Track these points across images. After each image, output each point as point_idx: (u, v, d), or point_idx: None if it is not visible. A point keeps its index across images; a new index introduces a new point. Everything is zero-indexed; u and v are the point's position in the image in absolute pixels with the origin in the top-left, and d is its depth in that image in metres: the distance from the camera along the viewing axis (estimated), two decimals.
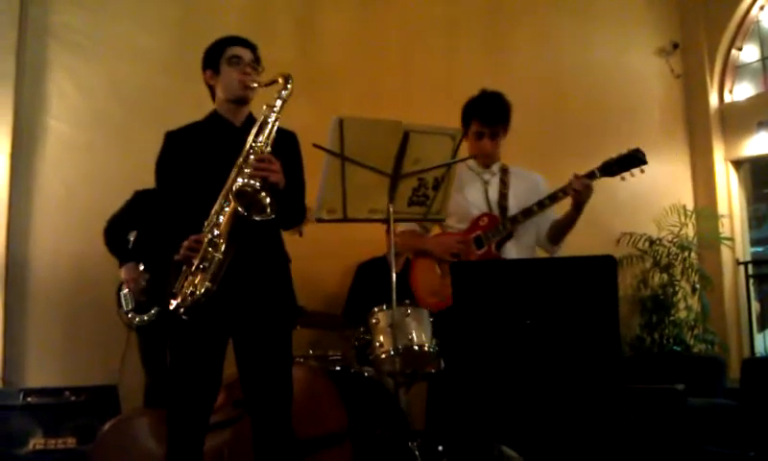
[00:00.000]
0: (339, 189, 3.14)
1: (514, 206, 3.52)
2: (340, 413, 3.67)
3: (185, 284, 2.67)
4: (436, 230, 3.72)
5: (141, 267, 4.17)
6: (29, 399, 4.01)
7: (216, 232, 2.65)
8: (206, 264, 2.63)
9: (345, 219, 3.21)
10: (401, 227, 3.72)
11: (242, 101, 2.93)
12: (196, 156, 2.85)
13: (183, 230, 2.71)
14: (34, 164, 4.73)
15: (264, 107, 2.82)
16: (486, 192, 3.58)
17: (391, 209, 3.22)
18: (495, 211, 3.52)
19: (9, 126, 4.60)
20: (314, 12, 5.76)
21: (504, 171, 3.63)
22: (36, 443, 3.88)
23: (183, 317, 2.65)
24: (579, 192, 3.33)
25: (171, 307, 2.67)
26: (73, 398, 4.07)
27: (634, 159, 3.41)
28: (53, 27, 4.85)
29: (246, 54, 2.93)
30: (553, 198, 3.43)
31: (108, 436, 3.52)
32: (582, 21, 6.76)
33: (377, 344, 4.01)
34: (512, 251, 3.50)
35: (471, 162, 3.64)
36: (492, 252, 3.46)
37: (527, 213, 3.45)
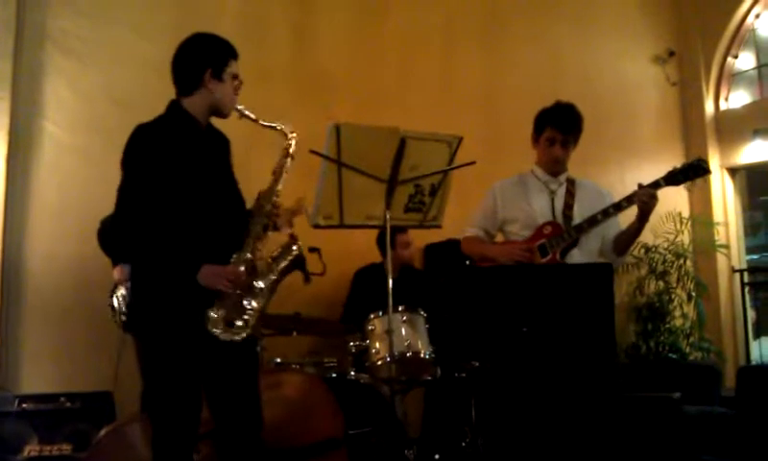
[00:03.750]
0: (335, 195, 3.14)
1: (578, 217, 3.50)
2: (336, 420, 3.67)
3: (220, 312, 2.69)
4: (500, 237, 3.73)
5: None
6: (24, 405, 3.98)
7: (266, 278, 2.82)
8: (259, 303, 2.76)
9: (341, 225, 3.21)
10: (468, 232, 3.74)
11: (224, 117, 2.92)
12: (180, 159, 2.74)
13: (176, 237, 2.68)
14: (30, 168, 4.71)
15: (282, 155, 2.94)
16: (552, 202, 3.58)
17: (387, 216, 3.22)
18: (560, 220, 3.53)
19: (5, 129, 4.58)
20: (310, 17, 5.76)
21: (571, 182, 3.63)
22: (32, 449, 3.86)
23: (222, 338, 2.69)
24: (645, 202, 3.33)
25: (215, 333, 2.66)
26: (68, 404, 4.05)
27: (698, 169, 3.41)
28: (50, 32, 4.84)
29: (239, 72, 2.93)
30: (617, 207, 3.42)
31: (104, 442, 3.50)
32: (578, 29, 6.78)
33: (373, 350, 4.01)
34: (576, 258, 3.48)
35: (539, 171, 3.64)
36: (557, 259, 3.45)
37: (592, 222, 3.44)
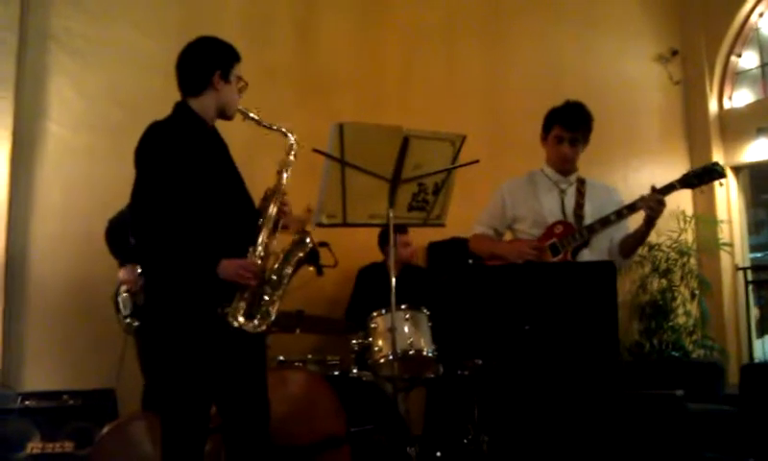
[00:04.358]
0: (339, 194, 3.14)
1: (590, 217, 3.50)
2: (339, 418, 3.68)
3: (241, 305, 2.73)
4: (509, 235, 3.73)
5: (139, 270, 4.16)
6: (27, 402, 4.00)
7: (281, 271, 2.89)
8: (276, 296, 2.83)
9: (345, 224, 3.21)
10: (476, 230, 3.74)
11: (229, 118, 2.97)
12: (193, 158, 2.77)
13: (194, 233, 2.70)
14: (33, 168, 4.73)
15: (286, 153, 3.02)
16: (562, 201, 3.57)
17: (391, 214, 3.22)
18: (571, 220, 3.52)
19: (9, 130, 4.60)
20: (314, 16, 5.77)
21: (581, 181, 3.62)
22: (34, 447, 3.87)
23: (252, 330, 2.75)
24: (652, 208, 3.32)
25: (238, 325, 2.70)
26: (71, 401, 4.06)
27: (713, 173, 3.42)
28: (53, 31, 4.86)
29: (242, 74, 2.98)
30: (631, 208, 3.41)
31: (106, 440, 3.52)
32: (581, 28, 6.77)
33: (376, 348, 4.01)
34: (586, 258, 3.47)
35: (548, 170, 3.64)
36: (569, 259, 3.44)
37: (605, 222, 3.43)
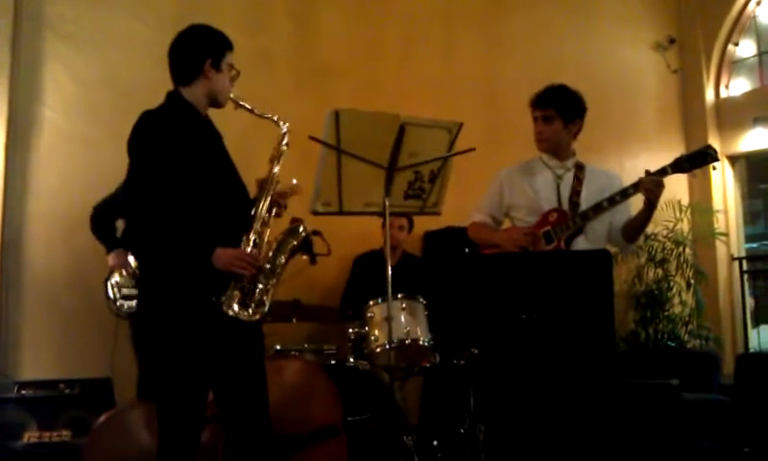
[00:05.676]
0: (335, 182, 3.13)
1: (586, 204, 3.46)
2: (335, 407, 3.67)
3: (235, 294, 2.73)
4: (506, 223, 3.72)
5: (131, 258, 4.15)
6: (23, 391, 3.99)
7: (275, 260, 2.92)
8: (271, 284, 2.84)
9: (340, 212, 3.20)
10: (475, 218, 3.74)
11: (221, 107, 2.96)
12: (187, 147, 2.76)
13: (188, 222, 2.69)
14: (28, 155, 4.70)
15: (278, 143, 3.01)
16: (558, 187, 3.55)
17: (387, 202, 3.21)
18: (566, 207, 3.49)
19: (4, 116, 4.57)
20: (312, 5, 5.75)
21: (579, 167, 3.58)
22: (31, 436, 3.86)
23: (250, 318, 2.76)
24: (650, 191, 3.29)
25: (232, 313, 2.70)
26: (67, 390, 4.06)
27: (705, 156, 3.38)
28: (48, 18, 4.82)
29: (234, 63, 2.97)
30: (623, 194, 3.38)
31: (103, 429, 3.51)
32: (579, 16, 6.76)
33: (372, 338, 4.01)
34: (581, 246, 3.45)
35: (545, 156, 3.61)
36: (562, 247, 3.43)
37: (597, 209, 3.40)
